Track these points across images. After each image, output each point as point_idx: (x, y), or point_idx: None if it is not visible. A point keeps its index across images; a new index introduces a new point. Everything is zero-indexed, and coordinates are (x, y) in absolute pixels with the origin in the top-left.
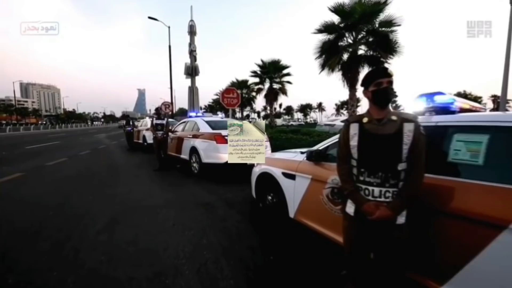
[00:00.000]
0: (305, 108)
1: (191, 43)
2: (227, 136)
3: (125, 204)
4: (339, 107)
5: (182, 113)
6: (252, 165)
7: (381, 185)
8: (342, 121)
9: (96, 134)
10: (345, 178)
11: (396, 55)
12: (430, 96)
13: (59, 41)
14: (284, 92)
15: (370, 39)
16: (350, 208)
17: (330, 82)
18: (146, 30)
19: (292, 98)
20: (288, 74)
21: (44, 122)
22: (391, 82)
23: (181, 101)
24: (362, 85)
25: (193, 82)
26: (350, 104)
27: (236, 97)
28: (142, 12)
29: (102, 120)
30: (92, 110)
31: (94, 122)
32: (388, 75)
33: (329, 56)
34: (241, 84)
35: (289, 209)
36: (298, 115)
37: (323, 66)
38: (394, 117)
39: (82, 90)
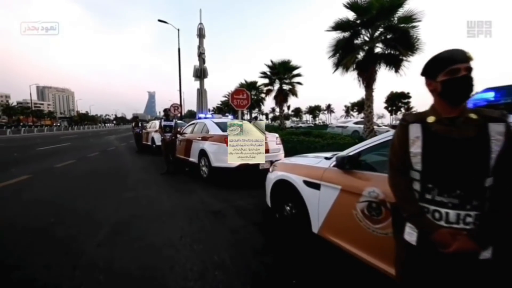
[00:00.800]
0: (314, 110)
1: (200, 46)
2: None
3: (129, 211)
4: (349, 109)
5: (191, 115)
6: (265, 170)
7: (460, 207)
8: (355, 123)
9: (107, 135)
10: (404, 195)
11: (417, 52)
12: (502, 90)
13: (72, 44)
14: (294, 93)
15: (389, 36)
16: (410, 235)
17: (338, 83)
18: (156, 34)
19: (300, 99)
20: (298, 75)
21: (59, 124)
22: (470, 69)
23: (190, 103)
24: (423, 74)
25: (201, 84)
26: (366, 105)
27: (246, 98)
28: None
29: (114, 122)
30: (104, 112)
31: (106, 124)
32: (467, 59)
33: (343, 54)
34: (249, 86)
35: (312, 222)
36: (307, 117)
37: (337, 65)
38: (473, 115)
39: (95, 92)
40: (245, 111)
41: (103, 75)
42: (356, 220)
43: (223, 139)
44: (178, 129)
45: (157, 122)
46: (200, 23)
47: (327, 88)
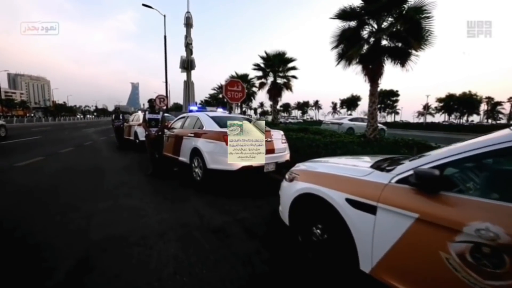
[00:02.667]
0: (303, 106)
1: (187, 36)
2: None
3: (104, 232)
4: (336, 105)
5: (177, 108)
6: (269, 173)
7: None
8: (350, 120)
9: (85, 128)
10: None
11: (427, 46)
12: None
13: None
14: (289, 87)
15: (399, 27)
16: None
17: (326, 79)
18: (140, 22)
19: (288, 95)
20: (293, 68)
21: (32, 115)
22: None
23: (176, 96)
24: None
25: (189, 76)
26: (371, 100)
27: (241, 91)
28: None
29: (95, 114)
30: (83, 103)
31: (87, 116)
32: None
33: (348, 45)
34: (241, 79)
35: (360, 257)
36: (295, 113)
37: (340, 57)
38: None
39: (73, 83)
40: (233, 105)
41: (82, 65)
42: (448, 267)
43: (222, 137)
44: (166, 123)
45: (140, 115)
46: (188, 12)
47: (314, 84)
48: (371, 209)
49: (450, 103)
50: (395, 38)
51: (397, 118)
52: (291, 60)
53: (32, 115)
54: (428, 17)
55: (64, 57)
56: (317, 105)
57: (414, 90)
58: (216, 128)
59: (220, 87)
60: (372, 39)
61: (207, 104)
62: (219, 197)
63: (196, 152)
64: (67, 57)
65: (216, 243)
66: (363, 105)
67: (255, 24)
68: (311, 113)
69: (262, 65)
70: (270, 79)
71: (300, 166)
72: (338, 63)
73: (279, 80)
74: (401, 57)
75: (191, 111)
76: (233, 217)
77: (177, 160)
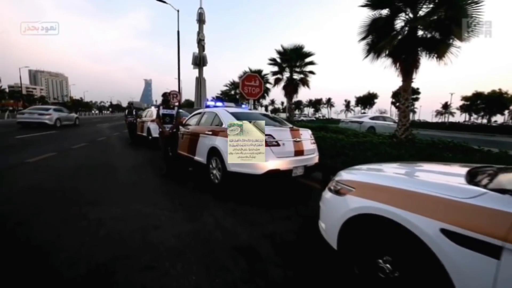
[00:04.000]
0: (316, 103)
1: (200, 32)
2: (269, 135)
3: (112, 249)
4: (349, 103)
5: (189, 104)
6: (296, 178)
7: None
8: (371, 118)
9: (99, 123)
10: None
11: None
12: None
13: (67, 29)
14: (306, 83)
15: (440, 14)
16: None
17: (338, 76)
18: (153, 20)
19: (300, 92)
20: (311, 63)
21: None
22: None
23: (187, 93)
24: None
25: (200, 72)
26: (403, 97)
27: (258, 86)
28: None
29: (110, 109)
30: (99, 99)
31: (102, 111)
32: None
33: (378, 36)
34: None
35: None
36: (307, 111)
37: (369, 50)
38: None
39: (90, 79)
40: (244, 102)
41: (98, 61)
42: None
43: None
44: (181, 120)
45: (154, 110)
46: (200, 8)
47: (326, 81)
48: (492, 251)
49: (477, 101)
50: (433, 27)
51: (414, 117)
52: (309, 54)
53: None
54: (476, 2)
55: (82, 54)
56: (329, 102)
57: (431, 86)
58: None
59: (233, 83)
60: (406, 29)
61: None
62: (241, 204)
63: (214, 152)
64: (84, 54)
65: (246, 269)
66: (380, 104)
67: (268, 20)
68: (323, 111)
69: (278, 60)
70: (286, 74)
71: (348, 176)
72: (366, 56)
73: (296, 76)
74: (439, 49)
75: (208, 106)
76: (261, 231)
77: (193, 159)
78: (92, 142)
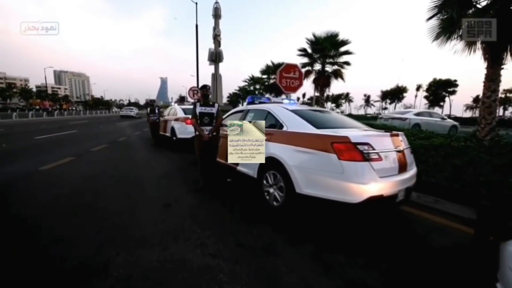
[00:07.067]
0: (337, 98)
1: (216, 27)
2: (365, 144)
3: None
4: (369, 98)
5: None
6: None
7: None
8: (416, 114)
9: (119, 122)
10: None
11: None
12: None
13: (88, 28)
14: (340, 75)
15: None
16: None
17: (355, 71)
18: (168, 19)
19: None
20: (347, 52)
21: (74, 108)
22: None
23: None
24: None
25: (216, 69)
26: (489, 89)
27: (298, 77)
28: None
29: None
30: (117, 97)
31: (121, 109)
32: None
33: (459, 11)
34: (277, 68)
35: None
36: (327, 106)
37: (445, 30)
38: None
39: (109, 77)
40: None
41: (116, 60)
42: None
43: (329, 145)
44: (221, 120)
45: (177, 108)
46: (216, 2)
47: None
48: None
49: None
50: None
51: (443, 112)
52: (345, 42)
53: (74, 108)
54: None
55: (102, 54)
56: (347, 97)
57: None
58: (309, 129)
59: (252, 78)
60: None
61: (236, 97)
62: (326, 247)
63: (270, 164)
64: (104, 54)
65: None
66: (409, 98)
67: (288, 13)
68: (343, 107)
69: (309, 50)
70: (317, 66)
71: None
72: (436, 38)
73: (328, 68)
74: None
75: (251, 102)
76: None
77: (235, 170)
78: (113, 143)
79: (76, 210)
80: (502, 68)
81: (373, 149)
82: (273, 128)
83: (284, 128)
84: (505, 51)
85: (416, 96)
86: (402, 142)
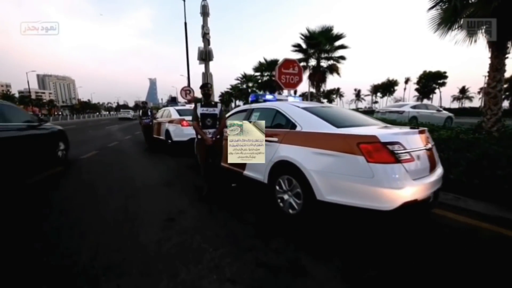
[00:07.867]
0: (329, 94)
1: (204, 25)
2: (396, 144)
3: None
4: (359, 92)
5: (197, 101)
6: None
7: None
8: (412, 107)
9: (108, 125)
10: None
11: None
12: None
13: (71, 31)
14: (335, 70)
15: None
16: None
17: (348, 64)
18: (155, 19)
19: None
20: (342, 47)
21: (60, 113)
22: None
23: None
24: None
25: (207, 67)
26: (495, 79)
27: (297, 73)
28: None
29: (120, 110)
30: (105, 100)
31: (111, 112)
32: None
33: (460, 0)
34: (270, 65)
35: None
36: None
37: (446, 20)
38: None
39: (95, 80)
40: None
41: (102, 62)
42: None
43: (355, 147)
44: (225, 121)
45: (171, 109)
46: (204, 0)
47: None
48: None
49: None
50: None
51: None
52: (339, 37)
53: (60, 113)
54: None
55: (86, 56)
56: (338, 92)
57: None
58: (328, 128)
59: (244, 76)
60: None
61: (228, 95)
62: (356, 261)
63: (284, 168)
64: (88, 56)
65: None
66: (399, 91)
67: (280, 7)
68: (333, 102)
69: (304, 46)
70: (312, 62)
71: None
72: (437, 29)
73: (323, 63)
74: None
75: (254, 100)
76: None
77: (241, 174)
78: (103, 148)
79: (53, 241)
80: (507, 57)
81: (404, 148)
82: (284, 128)
83: (298, 128)
84: (510, 40)
85: (405, 89)
86: (429, 139)
